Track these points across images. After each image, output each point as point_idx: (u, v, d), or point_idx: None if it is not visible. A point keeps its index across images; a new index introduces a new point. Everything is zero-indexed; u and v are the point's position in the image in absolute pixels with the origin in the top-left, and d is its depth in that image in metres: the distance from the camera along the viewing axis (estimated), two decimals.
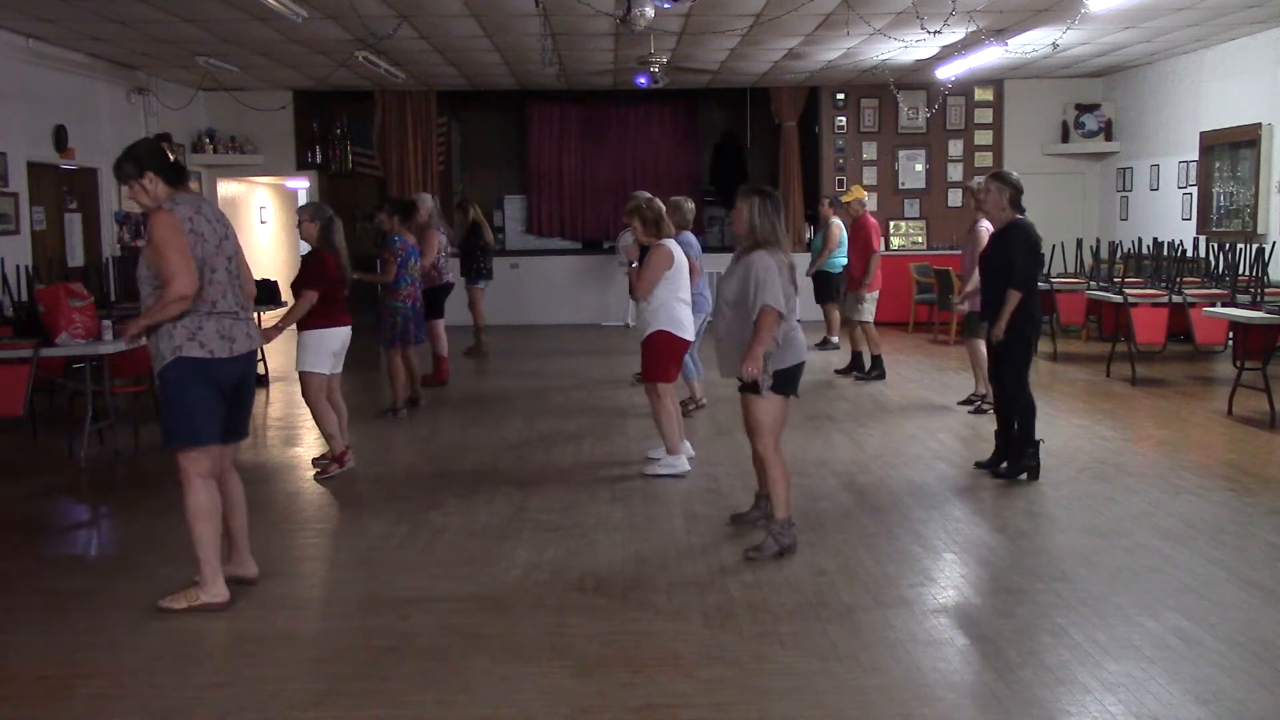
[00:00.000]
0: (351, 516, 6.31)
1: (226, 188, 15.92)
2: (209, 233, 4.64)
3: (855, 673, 4.02)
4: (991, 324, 6.73)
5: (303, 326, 7.04)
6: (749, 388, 5.31)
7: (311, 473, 7.39)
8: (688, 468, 7.02)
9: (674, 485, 6.77)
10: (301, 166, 15.92)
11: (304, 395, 7.18)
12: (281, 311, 7.26)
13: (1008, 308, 6.58)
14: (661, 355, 6.94)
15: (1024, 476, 6.68)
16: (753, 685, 3.93)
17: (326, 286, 6.97)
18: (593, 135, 17.26)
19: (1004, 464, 6.84)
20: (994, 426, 7.20)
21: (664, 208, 7.31)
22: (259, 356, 9.72)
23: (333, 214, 7.21)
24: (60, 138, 11.55)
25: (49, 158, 11.42)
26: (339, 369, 7.27)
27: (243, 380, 4.83)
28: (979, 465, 7.09)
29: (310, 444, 8.37)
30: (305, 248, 7.48)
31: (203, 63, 12.53)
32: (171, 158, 4.73)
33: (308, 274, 7.04)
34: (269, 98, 15.01)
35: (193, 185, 5.01)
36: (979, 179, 8.72)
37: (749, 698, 3.84)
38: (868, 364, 10.78)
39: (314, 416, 7.22)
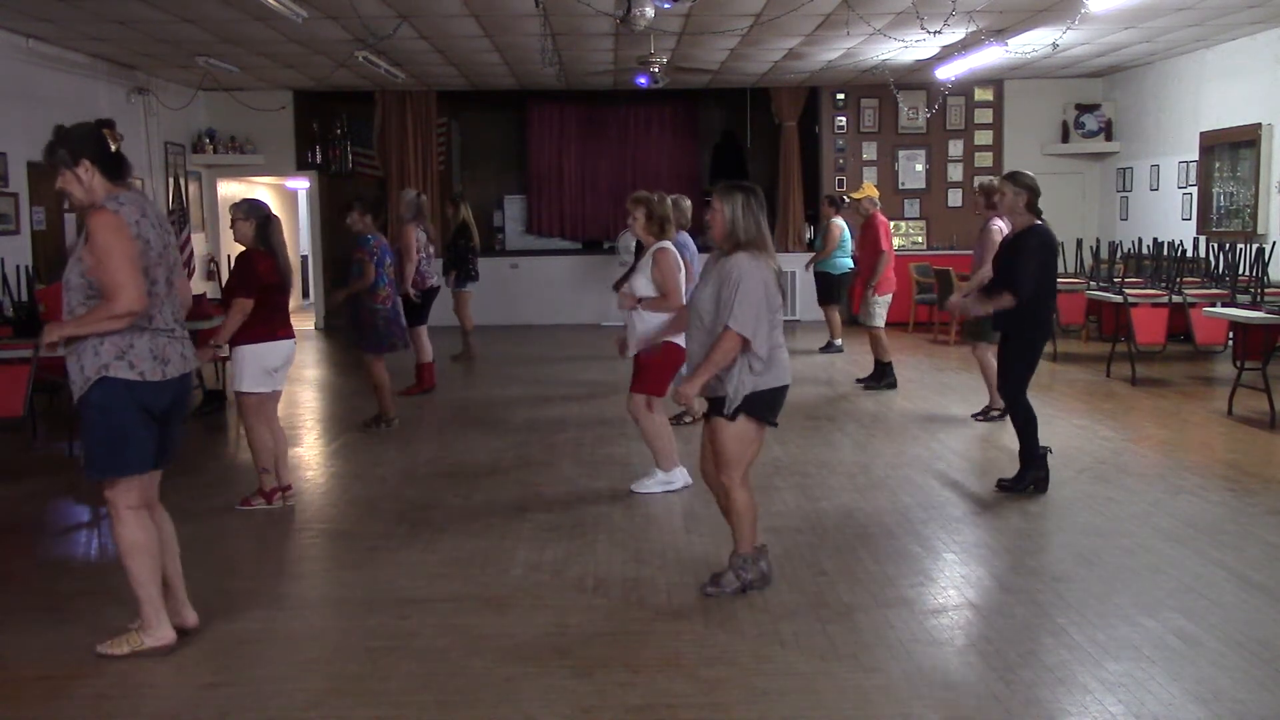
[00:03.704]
0: (351, 517, 6.31)
1: (226, 188, 15.93)
2: (154, 239, 4.12)
3: (855, 673, 4.02)
4: (1025, 337, 6.34)
5: (237, 340, 6.17)
6: (715, 408, 4.68)
7: (310, 472, 7.39)
8: (688, 481, 6.53)
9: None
10: (301, 166, 15.93)
11: (241, 418, 6.37)
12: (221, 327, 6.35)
13: (997, 302, 6.30)
14: (663, 367, 6.47)
15: (1031, 489, 6.39)
16: (753, 685, 3.93)
17: (261, 292, 6.09)
18: (593, 135, 17.25)
19: (1031, 480, 6.43)
20: (1006, 437, 6.93)
21: (671, 209, 7.00)
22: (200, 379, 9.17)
23: (270, 212, 6.32)
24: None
25: None
26: (280, 386, 6.44)
27: (174, 406, 4.27)
28: (1001, 484, 6.55)
29: (309, 444, 8.38)
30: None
31: (203, 63, 12.53)
32: (113, 147, 4.14)
33: (238, 278, 6.13)
34: (269, 98, 15.01)
35: (136, 182, 4.38)
36: (989, 178, 8.55)
37: (749, 698, 3.84)
38: (882, 372, 10.20)
39: (250, 444, 6.31)
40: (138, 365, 4.08)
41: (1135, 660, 4.09)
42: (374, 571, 5.28)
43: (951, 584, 5.03)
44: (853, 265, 12.18)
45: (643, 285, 6.48)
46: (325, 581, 5.32)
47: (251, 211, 6.23)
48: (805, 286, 14.82)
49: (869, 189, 11.19)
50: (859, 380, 10.42)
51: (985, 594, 4.93)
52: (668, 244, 6.53)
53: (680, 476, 6.60)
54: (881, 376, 10.24)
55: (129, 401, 4.08)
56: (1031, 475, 6.43)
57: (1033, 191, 6.41)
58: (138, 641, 4.24)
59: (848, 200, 12.42)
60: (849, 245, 12.25)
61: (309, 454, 8.00)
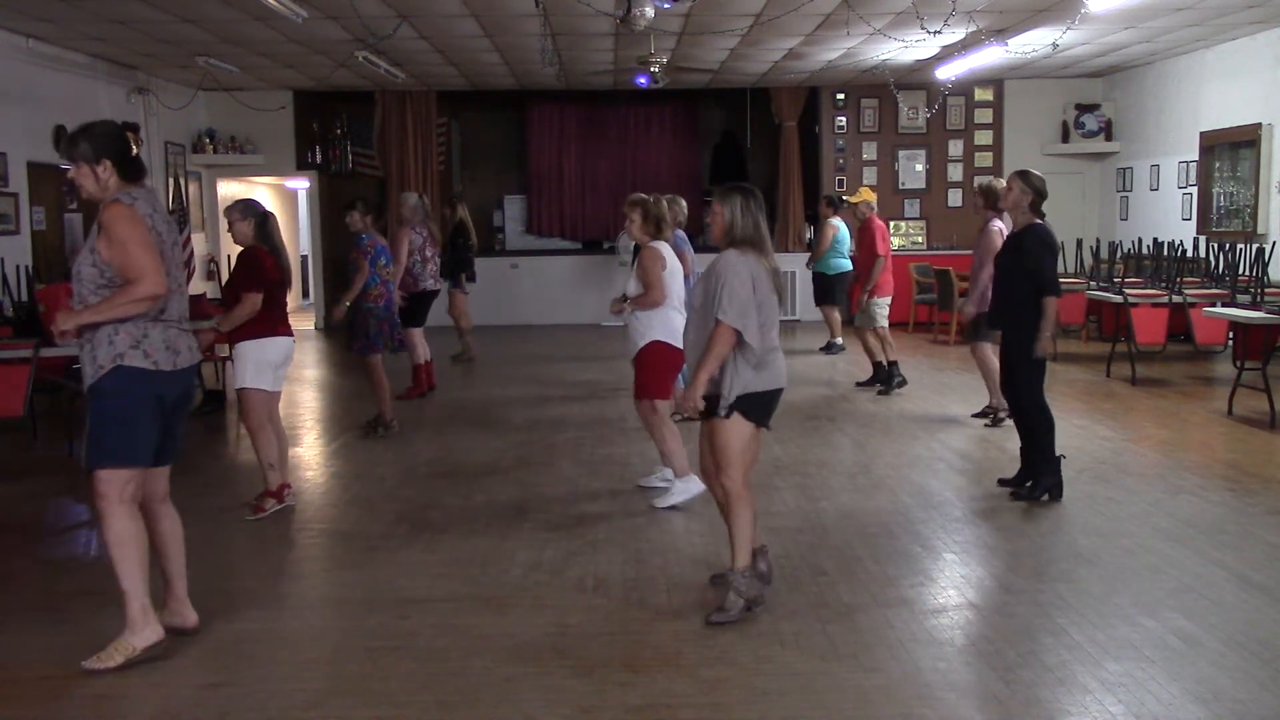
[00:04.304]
0: (351, 517, 6.31)
1: (226, 188, 15.93)
2: (165, 233, 4.22)
3: (855, 673, 4.02)
4: (1025, 337, 6.24)
5: (238, 337, 6.18)
6: (712, 408, 4.60)
7: (310, 472, 7.40)
8: (701, 487, 5.94)
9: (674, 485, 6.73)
10: (301, 166, 15.94)
11: (242, 417, 6.33)
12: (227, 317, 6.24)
13: (1049, 318, 6.20)
14: (659, 369, 6.36)
15: (1046, 497, 6.27)
16: (753, 685, 3.93)
17: (267, 287, 6.12)
18: (593, 135, 17.26)
19: (1027, 484, 6.42)
20: (1006, 437, 6.91)
21: (667, 211, 6.79)
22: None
23: (266, 210, 6.29)
24: (60, 138, 11.55)
25: (49, 158, 11.42)
26: (280, 386, 6.42)
27: (182, 398, 4.35)
28: (1003, 483, 6.57)
29: (310, 444, 8.38)
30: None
31: (203, 63, 12.53)
32: (134, 150, 4.28)
33: (245, 274, 6.13)
34: (269, 98, 15.01)
35: (147, 182, 4.46)
36: (988, 178, 8.54)
37: (749, 698, 3.84)
38: (891, 372, 10.08)
39: (253, 442, 6.28)
40: (152, 355, 4.14)
41: (1135, 660, 4.09)
42: (374, 571, 5.28)
43: (951, 584, 5.03)
44: (850, 267, 12.15)
45: (634, 286, 6.45)
46: (325, 581, 5.32)
47: (248, 211, 6.23)
48: (805, 287, 14.82)
49: (866, 193, 11.12)
50: (859, 384, 10.38)
51: (985, 594, 4.93)
52: (657, 244, 6.44)
53: (696, 481, 6.18)
54: (889, 378, 10.12)
55: (142, 391, 4.13)
56: (1048, 482, 6.32)
57: (1039, 194, 6.42)
58: (129, 649, 4.16)
59: (845, 201, 12.42)
60: (845, 246, 12.22)
61: (309, 454, 8.00)
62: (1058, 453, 6.39)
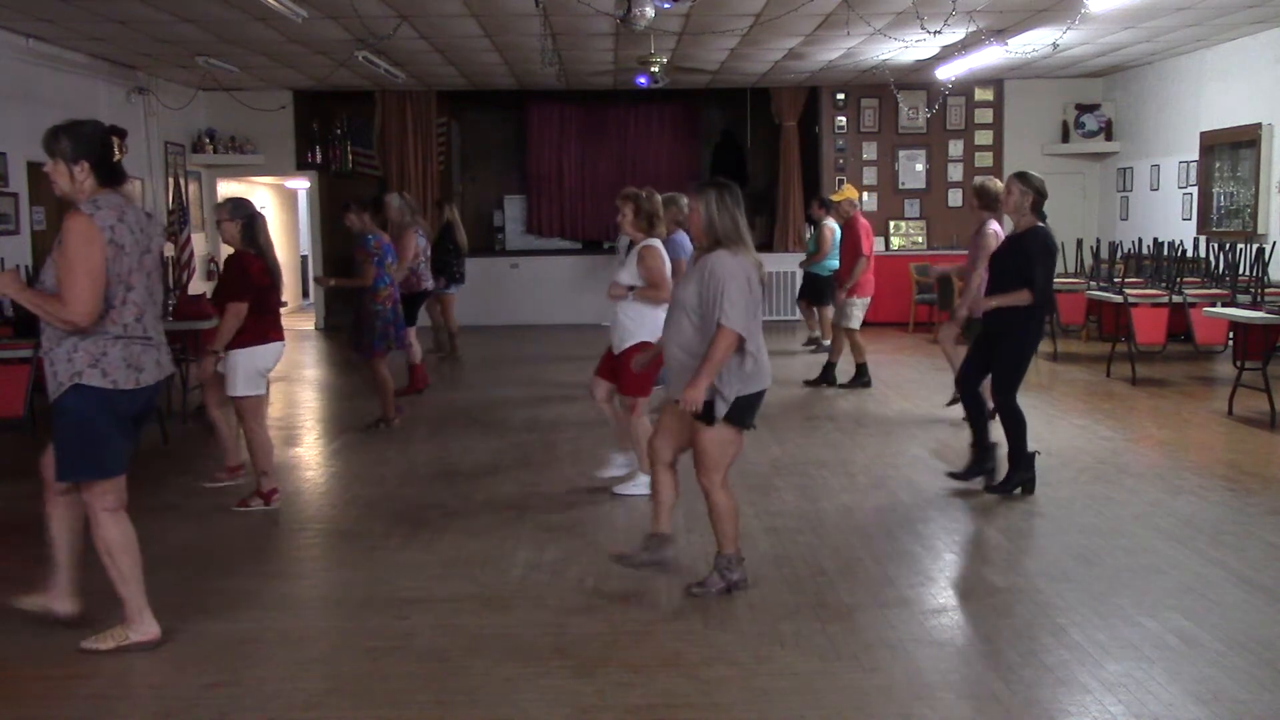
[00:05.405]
0: (351, 516, 6.31)
1: (226, 188, 15.93)
2: (130, 244, 4.07)
3: (855, 673, 4.02)
4: (1016, 340, 6.30)
5: (231, 344, 6.16)
6: (700, 413, 4.65)
7: (310, 472, 7.40)
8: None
9: None
10: (301, 166, 15.93)
11: (241, 422, 6.38)
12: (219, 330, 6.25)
13: (1009, 299, 6.24)
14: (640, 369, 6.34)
15: (1018, 491, 6.39)
16: (753, 685, 3.93)
17: (254, 295, 6.08)
18: (593, 135, 17.25)
19: (981, 473, 6.55)
20: (995, 433, 6.94)
21: (660, 205, 6.75)
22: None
23: (254, 210, 6.22)
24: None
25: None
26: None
27: (142, 413, 4.29)
28: (953, 475, 6.69)
29: (310, 444, 8.38)
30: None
31: (203, 63, 12.53)
32: (116, 156, 4.14)
33: (229, 282, 6.08)
34: (269, 98, 15.01)
35: (130, 188, 4.31)
36: (983, 178, 8.53)
37: (749, 698, 3.84)
38: (856, 372, 10.27)
39: (249, 447, 6.32)
40: (110, 373, 4.08)
41: (1135, 660, 4.09)
42: (374, 571, 5.28)
43: (951, 584, 5.04)
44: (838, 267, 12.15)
45: (628, 277, 6.41)
46: (325, 581, 5.32)
47: (236, 211, 6.17)
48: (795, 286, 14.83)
49: (849, 191, 11.08)
50: (841, 385, 10.35)
51: (985, 594, 4.93)
52: (655, 241, 6.42)
53: None
54: (856, 376, 10.25)
55: (103, 408, 4.09)
56: (1020, 477, 6.43)
57: (1040, 194, 6.41)
58: (123, 637, 4.29)
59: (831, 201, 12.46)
60: (839, 248, 12.23)
61: (309, 454, 8.00)
62: (1031, 449, 6.45)
